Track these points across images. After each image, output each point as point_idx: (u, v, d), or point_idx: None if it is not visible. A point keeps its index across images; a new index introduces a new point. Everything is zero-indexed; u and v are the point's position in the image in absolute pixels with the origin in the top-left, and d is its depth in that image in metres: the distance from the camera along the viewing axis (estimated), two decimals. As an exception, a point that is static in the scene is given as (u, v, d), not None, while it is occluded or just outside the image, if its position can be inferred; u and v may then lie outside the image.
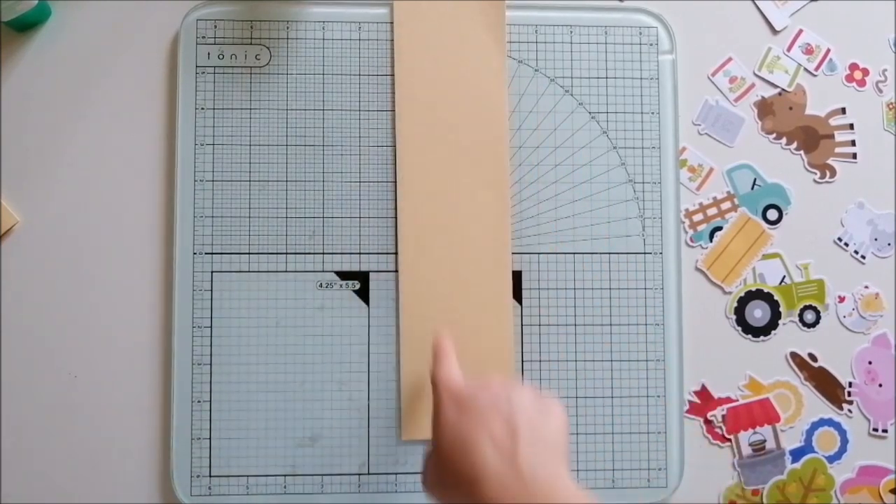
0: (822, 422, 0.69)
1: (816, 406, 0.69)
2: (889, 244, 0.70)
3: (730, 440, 0.68)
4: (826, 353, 0.69)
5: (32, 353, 0.66)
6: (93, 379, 0.66)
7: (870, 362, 0.69)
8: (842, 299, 0.69)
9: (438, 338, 0.60)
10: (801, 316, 0.69)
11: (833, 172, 0.70)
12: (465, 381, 0.57)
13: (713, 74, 0.70)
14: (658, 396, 0.67)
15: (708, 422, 0.68)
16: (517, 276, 0.67)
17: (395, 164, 0.67)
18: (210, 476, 0.65)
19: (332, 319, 0.66)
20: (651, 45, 0.69)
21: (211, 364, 0.65)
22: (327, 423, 0.66)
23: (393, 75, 0.68)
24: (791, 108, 0.70)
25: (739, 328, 0.69)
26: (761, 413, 0.68)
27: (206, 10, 0.68)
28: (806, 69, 0.71)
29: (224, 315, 0.66)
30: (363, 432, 0.66)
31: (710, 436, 0.68)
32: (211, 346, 0.65)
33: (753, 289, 0.69)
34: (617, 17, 0.69)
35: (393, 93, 0.67)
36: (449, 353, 0.59)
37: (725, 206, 0.69)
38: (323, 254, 0.66)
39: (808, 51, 0.71)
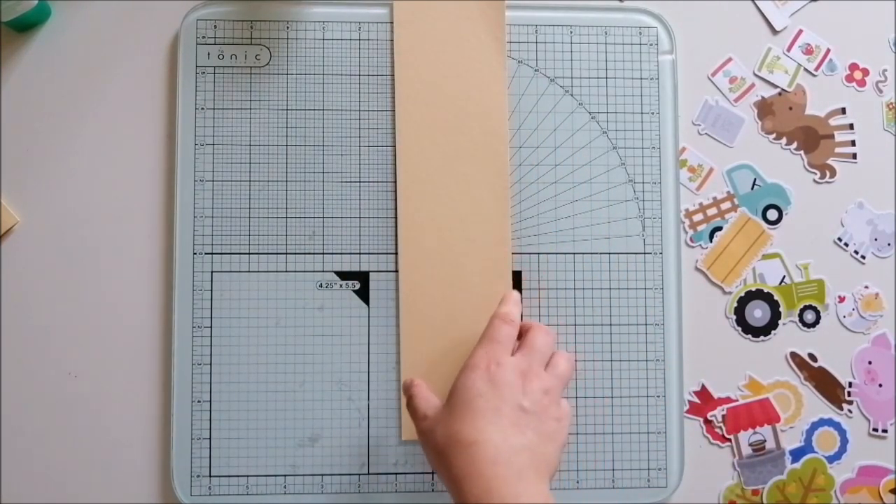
0: (822, 422, 0.69)
1: (816, 406, 0.69)
2: (889, 244, 0.70)
3: (730, 440, 0.68)
4: (826, 353, 0.69)
5: (32, 352, 0.66)
6: (93, 379, 0.66)
7: (870, 362, 0.69)
8: (842, 299, 0.69)
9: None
10: (800, 316, 0.69)
11: (833, 172, 0.70)
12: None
13: (713, 74, 0.70)
14: (658, 396, 0.67)
15: (708, 422, 0.68)
16: (517, 276, 0.67)
17: (395, 164, 0.67)
18: (210, 476, 0.65)
19: (332, 319, 0.66)
20: (651, 45, 0.69)
21: (211, 364, 0.65)
22: (327, 423, 0.66)
23: (393, 75, 0.68)
24: (791, 109, 0.70)
25: (739, 328, 0.69)
26: (761, 413, 0.68)
27: (206, 10, 0.68)
28: (806, 69, 0.71)
29: (224, 315, 0.66)
30: (363, 432, 0.66)
31: (709, 436, 0.68)
32: (211, 346, 0.65)
33: (753, 289, 0.69)
34: (617, 17, 0.69)
35: (393, 93, 0.67)
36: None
37: (725, 206, 0.69)
38: (323, 254, 0.66)
39: (808, 51, 0.71)
